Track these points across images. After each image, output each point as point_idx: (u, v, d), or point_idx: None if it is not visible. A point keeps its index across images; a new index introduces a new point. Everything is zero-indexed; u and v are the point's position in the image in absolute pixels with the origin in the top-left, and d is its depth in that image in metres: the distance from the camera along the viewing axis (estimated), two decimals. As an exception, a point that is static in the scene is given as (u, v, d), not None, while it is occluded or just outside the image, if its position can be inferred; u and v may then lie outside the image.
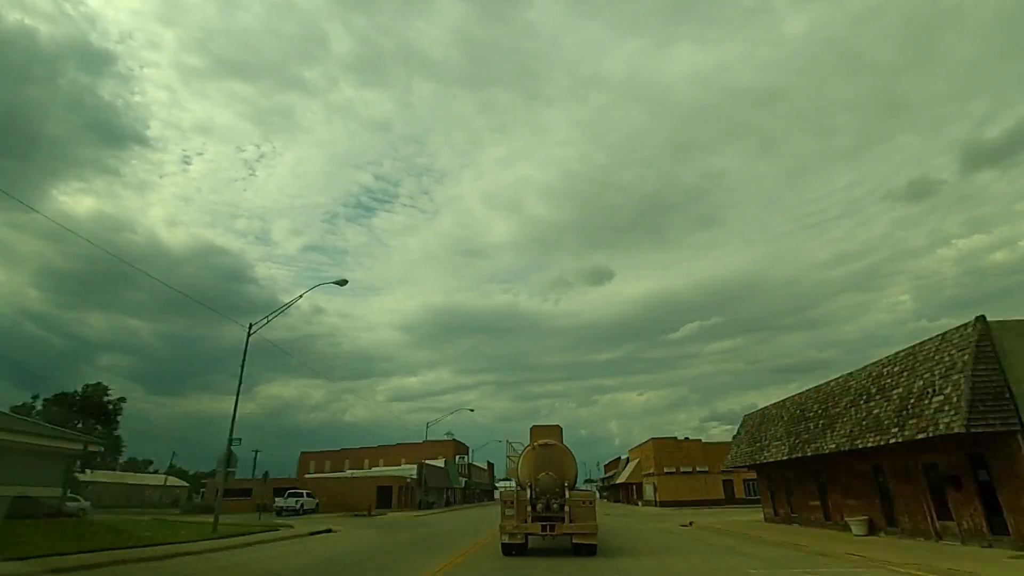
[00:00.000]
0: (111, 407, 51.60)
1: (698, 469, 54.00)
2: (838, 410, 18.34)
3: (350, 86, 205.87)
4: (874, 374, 16.95)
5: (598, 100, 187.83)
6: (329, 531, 24.32)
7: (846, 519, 18.56)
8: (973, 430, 11.61)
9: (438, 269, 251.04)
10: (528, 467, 15.23)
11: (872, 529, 17.40)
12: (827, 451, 17.95)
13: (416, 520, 35.52)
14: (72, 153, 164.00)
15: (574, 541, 14.12)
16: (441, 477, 70.12)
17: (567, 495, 14.45)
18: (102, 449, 42.28)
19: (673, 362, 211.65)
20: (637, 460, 67.35)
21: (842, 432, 17.29)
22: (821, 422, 19.39)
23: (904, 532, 15.98)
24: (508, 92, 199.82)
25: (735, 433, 30.55)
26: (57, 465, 28.71)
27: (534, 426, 17.71)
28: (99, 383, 52.74)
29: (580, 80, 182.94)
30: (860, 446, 15.81)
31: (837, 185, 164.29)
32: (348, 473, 69.13)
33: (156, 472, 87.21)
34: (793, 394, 24.07)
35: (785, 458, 21.61)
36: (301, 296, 27.06)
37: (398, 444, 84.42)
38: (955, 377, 12.54)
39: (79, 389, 51.43)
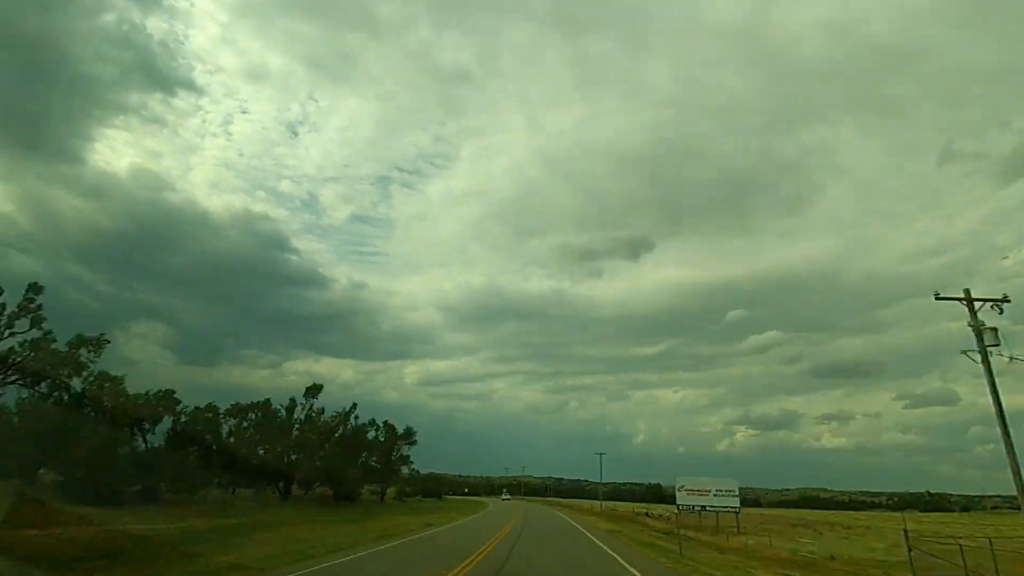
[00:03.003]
0: None
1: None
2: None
3: (429, 27, 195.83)
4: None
5: (710, 51, 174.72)
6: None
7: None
8: None
9: (488, 246, 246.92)
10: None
11: None
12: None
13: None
14: (116, 97, 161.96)
15: None
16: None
17: None
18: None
19: (717, 360, 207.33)
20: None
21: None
22: None
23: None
24: (607, 39, 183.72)
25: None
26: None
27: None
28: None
29: (692, 25, 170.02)
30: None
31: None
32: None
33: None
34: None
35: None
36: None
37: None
38: None
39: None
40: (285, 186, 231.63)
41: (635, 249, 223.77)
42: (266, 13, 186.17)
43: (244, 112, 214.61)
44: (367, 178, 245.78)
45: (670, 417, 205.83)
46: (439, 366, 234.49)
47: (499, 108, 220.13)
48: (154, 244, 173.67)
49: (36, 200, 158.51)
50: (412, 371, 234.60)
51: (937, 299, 17.55)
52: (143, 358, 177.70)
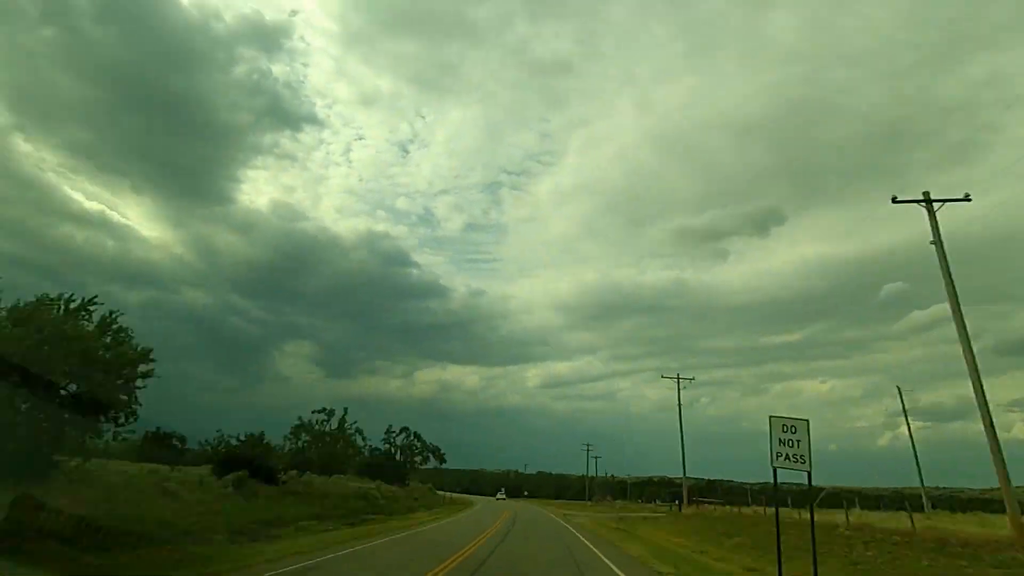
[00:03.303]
0: None
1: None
2: None
3: (525, 21, 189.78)
4: None
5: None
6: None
7: None
8: None
9: (601, 241, 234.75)
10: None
11: None
12: None
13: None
14: (253, 140, 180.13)
15: None
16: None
17: None
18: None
19: (871, 344, 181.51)
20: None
21: None
22: None
23: None
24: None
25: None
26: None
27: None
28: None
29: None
30: None
31: None
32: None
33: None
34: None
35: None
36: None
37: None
38: None
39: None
40: (401, 203, 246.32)
41: (763, 224, 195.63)
42: (372, 39, 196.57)
43: (360, 139, 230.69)
44: (476, 186, 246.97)
45: (816, 411, 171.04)
46: (560, 368, 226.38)
47: (604, 94, 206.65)
48: (295, 270, 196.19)
49: (200, 241, 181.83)
50: (534, 374, 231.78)
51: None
52: (295, 374, 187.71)
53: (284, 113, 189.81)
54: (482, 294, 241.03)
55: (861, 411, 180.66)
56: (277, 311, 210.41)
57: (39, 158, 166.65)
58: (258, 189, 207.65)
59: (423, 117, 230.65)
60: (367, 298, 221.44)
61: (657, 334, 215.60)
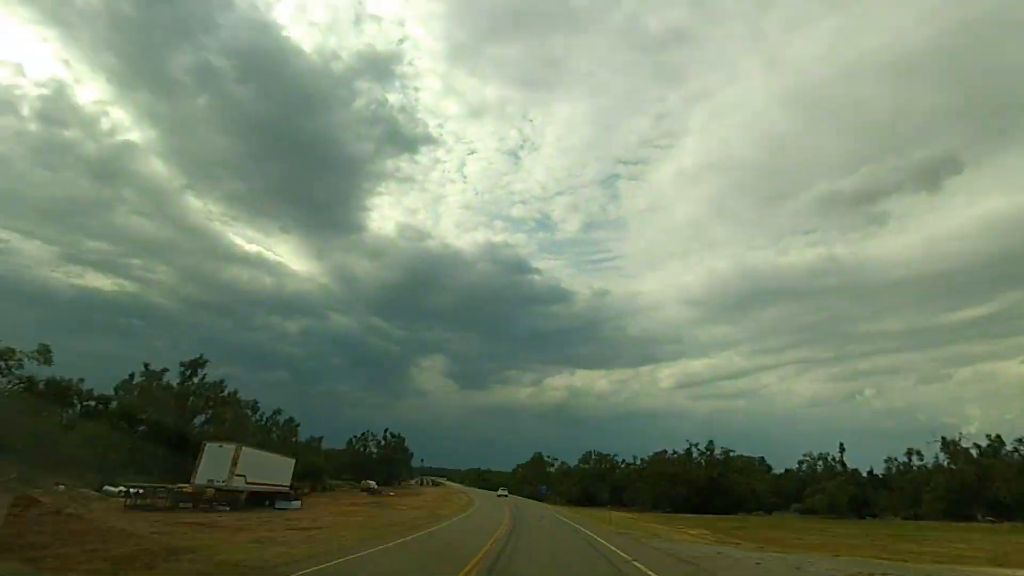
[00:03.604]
0: None
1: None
2: None
3: None
4: None
5: None
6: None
7: None
8: None
9: (732, 223, 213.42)
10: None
11: None
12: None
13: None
14: (376, 168, 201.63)
15: None
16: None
17: None
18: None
19: None
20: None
21: None
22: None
23: None
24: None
25: None
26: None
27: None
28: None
29: None
30: None
31: None
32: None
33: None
34: None
35: None
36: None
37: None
38: None
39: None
40: (517, 211, 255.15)
41: (933, 177, 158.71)
42: (476, 49, 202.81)
43: (473, 152, 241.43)
44: (592, 182, 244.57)
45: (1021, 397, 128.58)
46: (696, 366, 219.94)
47: (727, 58, 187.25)
48: (424, 287, 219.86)
49: (341, 269, 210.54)
50: (667, 374, 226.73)
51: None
52: (433, 388, 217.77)
53: (401, 137, 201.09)
54: (606, 294, 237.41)
55: None
56: (412, 328, 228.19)
57: (207, 211, 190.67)
58: (384, 215, 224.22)
59: (531, 121, 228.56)
60: (492, 308, 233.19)
61: (806, 321, 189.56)
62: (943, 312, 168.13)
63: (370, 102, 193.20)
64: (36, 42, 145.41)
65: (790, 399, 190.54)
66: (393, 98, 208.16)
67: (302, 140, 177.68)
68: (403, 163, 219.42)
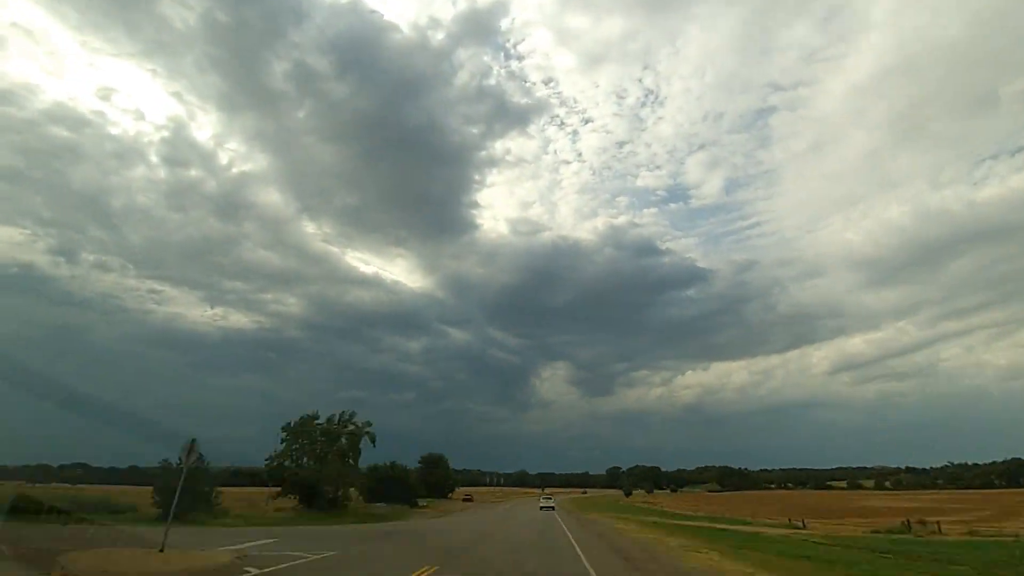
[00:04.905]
0: None
1: None
2: None
3: None
4: None
5: None
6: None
7: None
8: None
9: (921, 148, 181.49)
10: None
11: None
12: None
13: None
14: (484, 155, 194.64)
15: None
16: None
17: None
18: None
19: None
20: None
21: None
22: None
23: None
24: None
25: None
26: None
27: None
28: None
29: None
30: None
31: None
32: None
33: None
34: None
35: None
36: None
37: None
38: None
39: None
40: (643, 181, 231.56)
41: None
42: None
43: (588, 122, 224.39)
44: (737, 125, 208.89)
45: None
46: (856, 344, 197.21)
47: None
48: (542, 286, 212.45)
49: (454, 278, 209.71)
50: (820, 357, 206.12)
51: None
52: (555, 397, 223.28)
53: (511, 111, 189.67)
54: (752, 267, 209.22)
55: None
56: (531, 335, 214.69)
57: (323, 234, 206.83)
58: (495, 214, 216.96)
59: (654, 69, 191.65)
60: (618, 301, 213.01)
61: (1010, 268, 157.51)
62: None
63: (475, 73, 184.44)
64: (143, 74, 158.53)
65: (976, 375, 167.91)
66: (499, 64, 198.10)
67: (406, 131, 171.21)
68: (514, 143, 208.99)
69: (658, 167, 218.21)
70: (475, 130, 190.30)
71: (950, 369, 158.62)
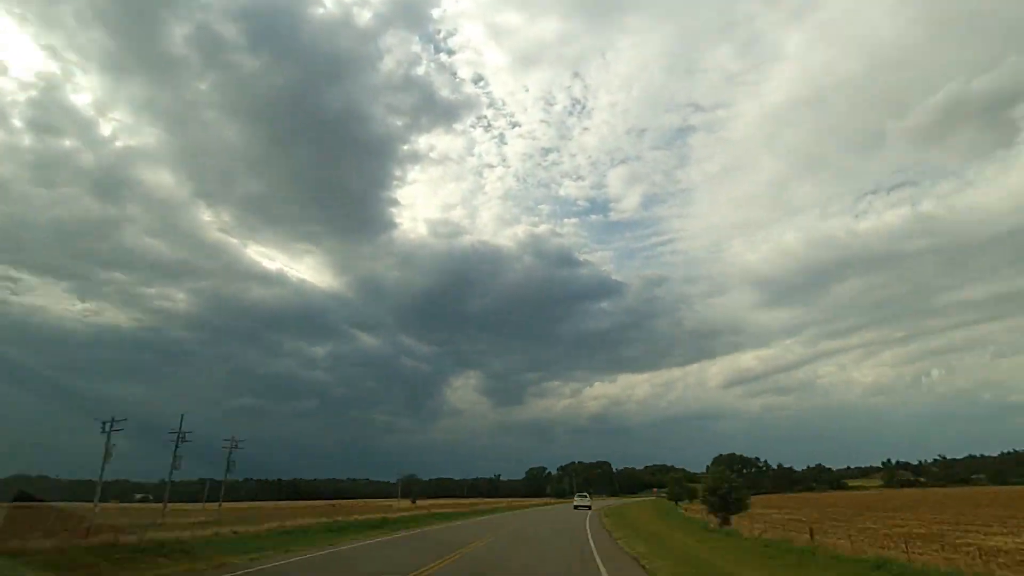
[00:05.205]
0: None
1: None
2: None
3: None
4: None
5: None
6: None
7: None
8: None
9: (821, 177, 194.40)
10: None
11: None
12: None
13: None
14: (407, 149, 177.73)
15: None
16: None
17: None
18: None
19: None
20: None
21: None
22: None
23: None
24: None
25: None
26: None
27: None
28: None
29: None
30: None
31: None
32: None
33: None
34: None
35: None
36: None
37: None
38: None
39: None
40: (565, 191, 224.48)
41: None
42: None
43: (515, 126, 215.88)
44: (657, 142, 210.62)
45: None
46: (748, 360, 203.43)
47: None
48: (459, 292, 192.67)
49: (367, 280, 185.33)
50: (716, 371, 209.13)
51: None
52: (466, 406, 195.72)
53: (438, 105, 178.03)
54: (663, 282, 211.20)
55: None
56: (444, 342, 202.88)
57: (222, 222, 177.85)
58: (415, 214, 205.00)
59: (583, 80, 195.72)
60: (533, 311, 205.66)
61: (884, 296, 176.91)
62: None
63: (402, 60, 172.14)
64: (8, 19, 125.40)
65: (848, 390, 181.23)
66: (429, 54, 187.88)
67: (324, 116, 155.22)
68: (439, 140, 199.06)
69: (581, 178, 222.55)
70: (399, 122, 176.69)
71: (825, 385, 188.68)
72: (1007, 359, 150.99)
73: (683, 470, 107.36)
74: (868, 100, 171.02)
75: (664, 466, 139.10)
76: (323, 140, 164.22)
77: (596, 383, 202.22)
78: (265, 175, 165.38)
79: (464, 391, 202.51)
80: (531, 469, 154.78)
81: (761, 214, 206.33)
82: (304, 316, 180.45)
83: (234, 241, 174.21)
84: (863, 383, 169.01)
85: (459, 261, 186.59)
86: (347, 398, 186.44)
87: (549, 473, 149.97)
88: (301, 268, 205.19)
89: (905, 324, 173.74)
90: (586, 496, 53.59)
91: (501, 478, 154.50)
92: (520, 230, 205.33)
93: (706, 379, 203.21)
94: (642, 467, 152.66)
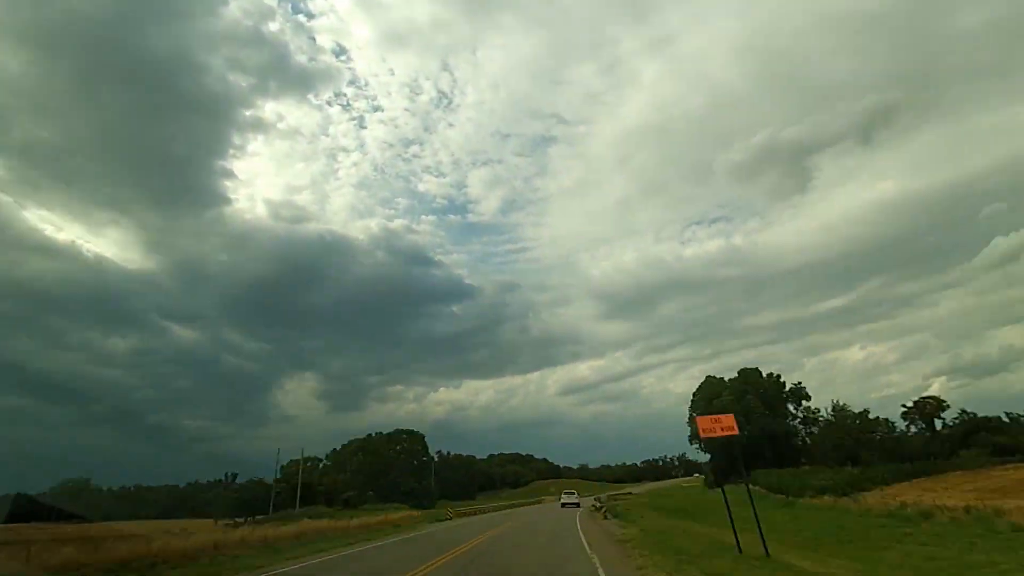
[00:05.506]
0: None
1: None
2: None
3: None
4: None
5: None
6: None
7: None
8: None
9: (663, 203, 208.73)
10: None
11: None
12: None
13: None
14: (249, 114, 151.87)
15: None
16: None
17: None
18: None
19: (920, 298, 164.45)
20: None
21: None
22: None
23: None
24: None
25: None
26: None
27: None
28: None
29: None
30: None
31: None
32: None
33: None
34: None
35: None
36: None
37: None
38: None
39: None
40: (426, 186, 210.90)
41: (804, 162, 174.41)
42: None
43: (377, 110, 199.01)
44: (520, 148, 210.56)
45: (845, 384, 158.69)
46: (582, 370, 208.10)
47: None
48: (300, 285, 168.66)
49: (189, 262, 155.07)
50: (555, 379, 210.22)
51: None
52: (299, 411, 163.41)
53: (292, 70, 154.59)
54: (514, 289, 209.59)
55: (891, 376, 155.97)
56: (278, 339, 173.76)
57: None
58: (254, 192, 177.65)
59: (452, 72, 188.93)
60: (383, 308, 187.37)
61: (698, 316, 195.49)
62: (814, 303, 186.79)
63: (251, 11, 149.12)
64: None
65: (663, 399, 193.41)
66: (284, 13, 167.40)
67: (147, 58, 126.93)
68: (289, 111, 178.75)
69: (443, 175, 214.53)
70: (243, 82, 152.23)
71: (646, 395, 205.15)
72: (784, 376, 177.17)
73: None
74: (705, 135, 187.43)
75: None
76: (143, 87, 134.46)
77: (441, 388, 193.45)
78: (59, 121, 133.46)
79: (298, 394, 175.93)
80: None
81: (607, 231, 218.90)
82: (99, 300, 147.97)
83: (6, 199, 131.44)
84: (676, 393, 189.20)
85: (302, 250, 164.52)
86: (151, 401, 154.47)
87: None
88: (102, 243, 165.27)
89: (712, 342, 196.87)
90: (574, 494, 51.80)
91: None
92: (374, 223, 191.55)
93: (545, 387, 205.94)
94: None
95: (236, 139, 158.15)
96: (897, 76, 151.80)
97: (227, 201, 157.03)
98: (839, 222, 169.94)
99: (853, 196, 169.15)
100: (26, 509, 47.09)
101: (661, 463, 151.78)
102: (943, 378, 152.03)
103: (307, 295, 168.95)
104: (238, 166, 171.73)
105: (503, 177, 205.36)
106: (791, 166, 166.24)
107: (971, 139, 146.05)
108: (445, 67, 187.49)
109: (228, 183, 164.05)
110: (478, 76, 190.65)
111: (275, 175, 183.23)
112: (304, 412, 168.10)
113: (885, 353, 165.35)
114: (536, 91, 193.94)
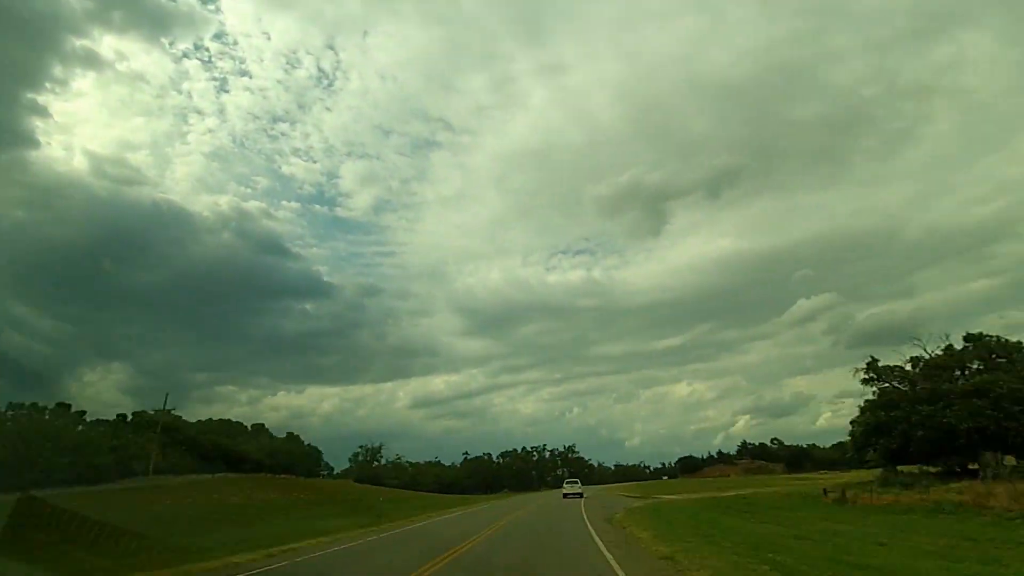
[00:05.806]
0: None
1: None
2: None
3: None
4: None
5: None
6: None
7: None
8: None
9: (520, 222, 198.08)
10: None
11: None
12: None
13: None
14: (78, 44, 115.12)
15: None
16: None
17: None
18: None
19: (738, 345, 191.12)
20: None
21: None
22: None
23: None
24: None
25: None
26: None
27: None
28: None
29: None
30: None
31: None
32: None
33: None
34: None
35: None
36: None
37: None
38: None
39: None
40: (292, 169, 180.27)
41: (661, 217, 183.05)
42: None
43: (244, 75, 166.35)
44: (402, 147, 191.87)
45: (671, 416, 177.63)
46: (437, 384, 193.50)
47: (593, 31, 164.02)
48: (123, 258, 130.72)
49: None
50: (407, 391, 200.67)
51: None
52: (99, 409, 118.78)
53: (145, 3, 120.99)
54: (376, 293, 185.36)
55: (708, 412, 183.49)
56: (82, 319, 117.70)
57: None
58: (73, 140, 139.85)
59: (337, 52, 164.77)
60: (223, 297, 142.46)
61: (553, 341, 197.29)
62: (650, 341, 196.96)
63: None
64: None
65: (511, 419, 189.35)
66: None
67: None
68: (132, 49, 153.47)
69: (313, 160, 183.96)
70: (78, 2, 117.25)
71: (496, 414, 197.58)
72: (621, 404, 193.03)
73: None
74: (579, 169, 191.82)
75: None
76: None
77: (281, 392, 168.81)
78: None
79: (100, 387, 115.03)
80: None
81: (478, 247, 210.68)
82: None
83: None
84: (524, 414, 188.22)
85: (129, 218, 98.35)
86: None
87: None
88: None
89: (563, 367, 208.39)
90: (576, 483, 50.19)
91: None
92: (224, 200, 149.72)
93: (396, 398, 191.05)
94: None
95: (57, 71, 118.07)
96: (747, 145, 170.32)
97: (34, 143, 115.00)
98: (683, 269, 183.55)
99: (697, 247, 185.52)
100: None
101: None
102: (747, 416, 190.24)
103: (129, 272, 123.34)
104: (56, 105, 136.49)
105: (380, 175, 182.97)
106: (650, 208, 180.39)
107: (793, 212, 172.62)
108: (330, 45, 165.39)
109: (39, 122, 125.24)
110: (366, 62, 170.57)
111: (106, 125, 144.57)
112: (103, 409, 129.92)
113: (705, 391, 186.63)
114: (426, 91, 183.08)
